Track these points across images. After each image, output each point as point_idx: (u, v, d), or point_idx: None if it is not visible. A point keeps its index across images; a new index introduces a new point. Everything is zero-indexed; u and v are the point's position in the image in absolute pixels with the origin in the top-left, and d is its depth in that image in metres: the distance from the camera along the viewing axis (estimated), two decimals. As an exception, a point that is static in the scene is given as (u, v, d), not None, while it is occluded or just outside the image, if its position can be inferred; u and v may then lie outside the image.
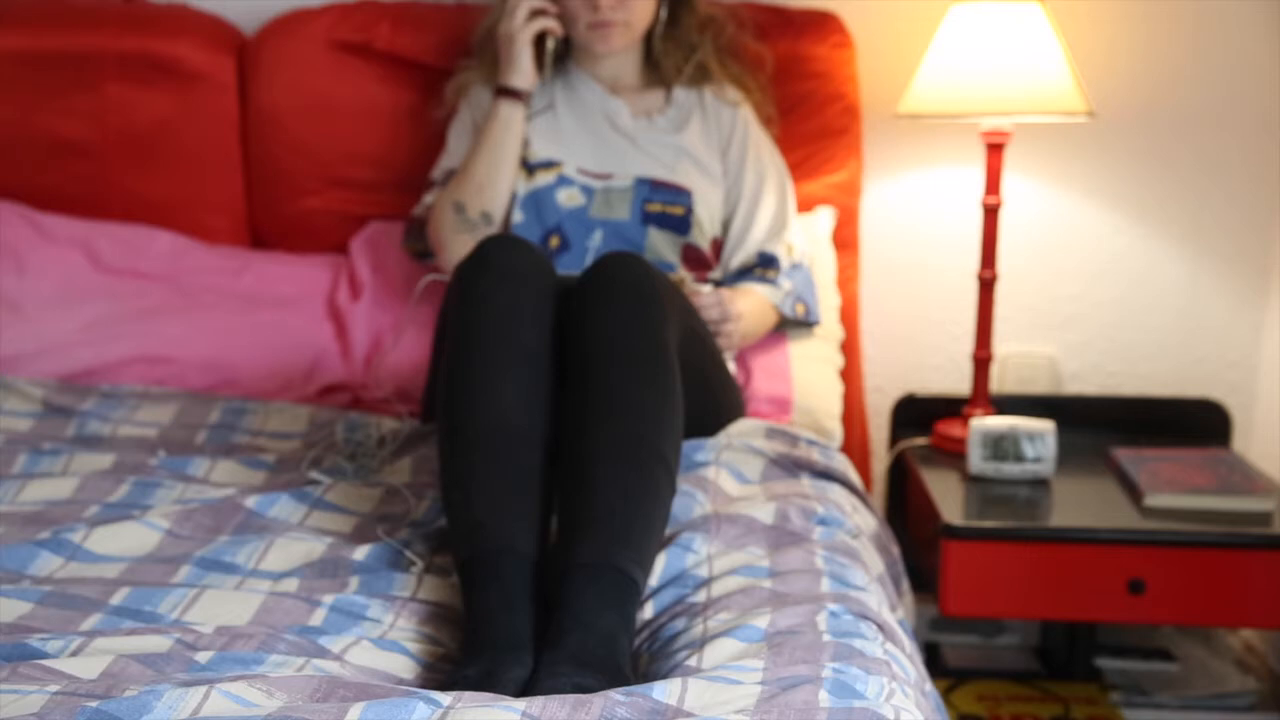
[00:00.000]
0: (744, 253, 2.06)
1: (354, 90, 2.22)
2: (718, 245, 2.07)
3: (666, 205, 2.01)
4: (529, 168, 2.02)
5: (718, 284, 2.06)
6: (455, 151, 2.09)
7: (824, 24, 2.24)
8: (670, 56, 2.09)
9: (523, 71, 2.01)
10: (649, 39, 2.09)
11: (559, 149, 2.04)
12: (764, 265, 2.04)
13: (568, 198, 2.01)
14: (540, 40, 2.04)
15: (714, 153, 2.08)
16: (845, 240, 2.25)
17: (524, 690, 1.24)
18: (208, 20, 2.27)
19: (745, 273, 2.05)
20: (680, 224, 2.00)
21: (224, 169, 2.25)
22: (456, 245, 1.98)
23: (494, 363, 1.49)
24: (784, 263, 2.05)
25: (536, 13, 2.00)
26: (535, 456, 1.46)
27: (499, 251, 1.58)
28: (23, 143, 2.21)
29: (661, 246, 2.00)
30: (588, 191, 2.02)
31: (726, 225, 2.08)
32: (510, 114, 2.00)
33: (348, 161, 2.23)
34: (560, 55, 2.09)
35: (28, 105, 2.20)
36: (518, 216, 2.01)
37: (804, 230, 2.15)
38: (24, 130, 2.20)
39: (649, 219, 2.00)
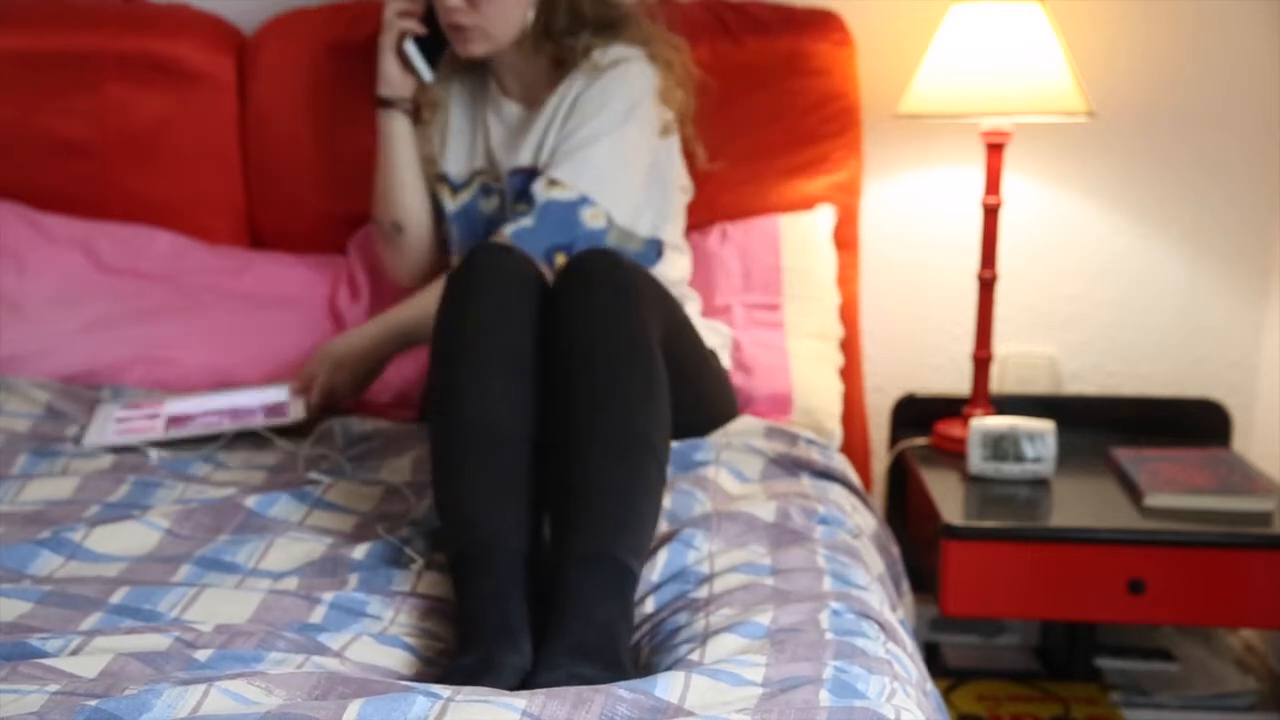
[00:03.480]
0: (550, 185, 1.86)
1: (353, 90, 2.22)
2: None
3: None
4: (453, 188, 2.02)
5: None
6: None
7: (825, 22, 2.23)
8: (565, 51, 1.93)
9: (385, 78, 1.98)
10: (536, 42, 1.94)
11: (469, 160, 2.02)
12: (582, 203, 1.86)
13: (486, 204, 2.01)
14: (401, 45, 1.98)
15: (568, 104, 1.93)
16: (845, 240, 2.25)
17: (524, 680, 1.24)
18: (207, 20, 2.27)
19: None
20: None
21: (224, 169, 2.25)
22: (385, 258, 2.08)
23: (481, 366, 1.50)
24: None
25: (403, 14, 1.96)
26: (524, 457, 1.47)
27: (485, 259, 1.59)
28: (23, 143, 2.21)
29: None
30: (500, 195, 1.99)
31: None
32: (387, 124, 2.00)
33: (347, 161, 2.23)
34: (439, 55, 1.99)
35: (28, 105, 2.20)
36: (455, 233, 2.01)
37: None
38: (24, 130, 2.20)
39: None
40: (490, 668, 1.24)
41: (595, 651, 1.26)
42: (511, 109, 2.00)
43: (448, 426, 1.48)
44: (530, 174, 1.95)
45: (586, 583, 1.33)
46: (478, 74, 2.04)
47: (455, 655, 1.29)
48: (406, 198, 2.01)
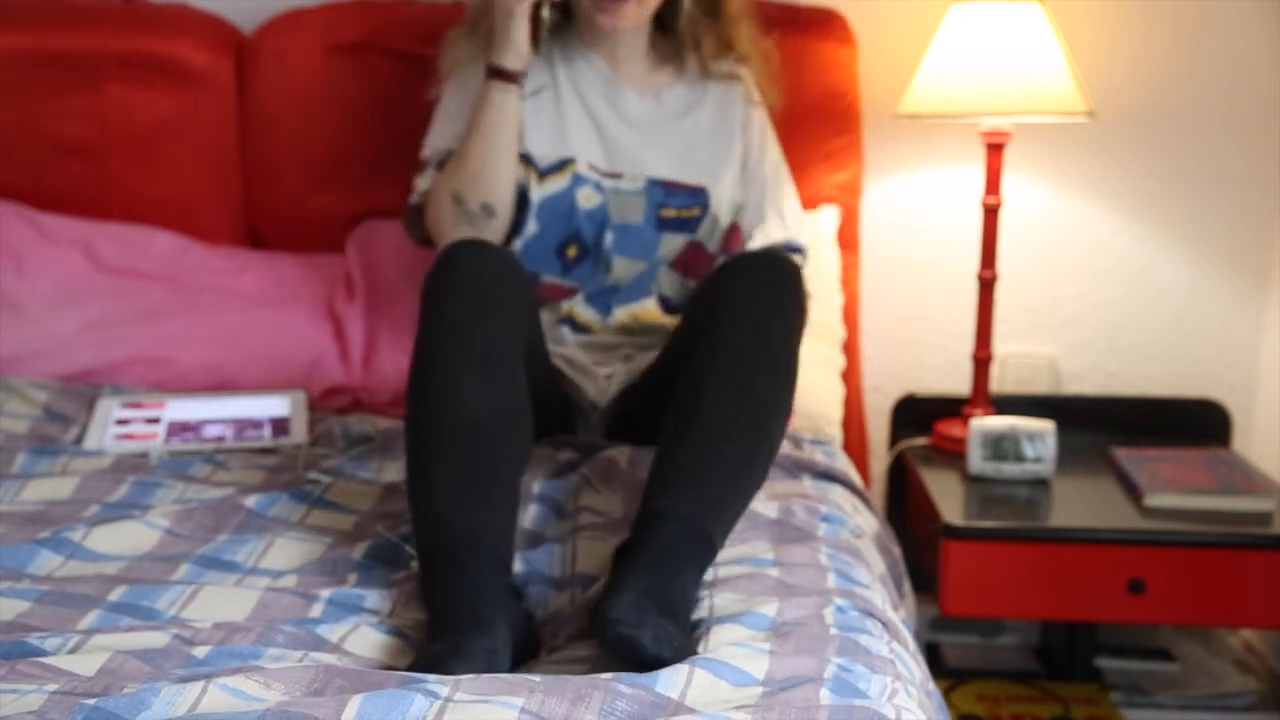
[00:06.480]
0: (774, 236, 1.97)
1: (352, 89, 2.22)
2: (731, 234, 1.97)
3: (682, 210, 1.92)
4: (540, 172, 1.89)
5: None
6: (445, 130, 1.95)
7: (827, 21, 2.23)
8: (702, 46, 1.95)
9: (517, 51, 1.83)
10: (662, 18, 1.94)
11: (566, 144, 1.92)
12: (792, 253, 1.99)
13: (585, 198, 1.90)
14: (538, 12, 1.87)
15: (734, 128, 1.98)
16: (846, 240, 2.25)
17: (595, 609, 1.27)
18: (207, 20, 2.27)
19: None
20: (693, 225, 1.93)
21: (224, 169, 2.25)
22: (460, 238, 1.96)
23: (454, 362, 1.49)
24: (805, 259, 2.01)
25: None
26: (499, 453, 1.46)
27: (464, 254, 1.58)
28: (23, 143, 2.21)
29: (667, 251, 1.94)
30: (601, 190, 1.91)
31: (745, 209, 1.99)
32: (504, 99, 1.83)
33: (347, 161, 2.23)
34: (557, 25, 1.94)
35: (28, 105, 2.20)
36: (533, 227, 1.88)
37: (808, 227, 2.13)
38: (24, 130, 2.20)
39: (664, 225, 1.92)
40: (458, 652, 1.23)
41: (667, 602, 1.29)
42: (631, 99, 1.95)
43: (420, 424, 1.47)
44: (696, 192, 1.93)
45: (681, 546, 1.36)
46: (560, 50, 1.96)
47: (427, 641, 1.29)
48: (501, 178, 1.84)
